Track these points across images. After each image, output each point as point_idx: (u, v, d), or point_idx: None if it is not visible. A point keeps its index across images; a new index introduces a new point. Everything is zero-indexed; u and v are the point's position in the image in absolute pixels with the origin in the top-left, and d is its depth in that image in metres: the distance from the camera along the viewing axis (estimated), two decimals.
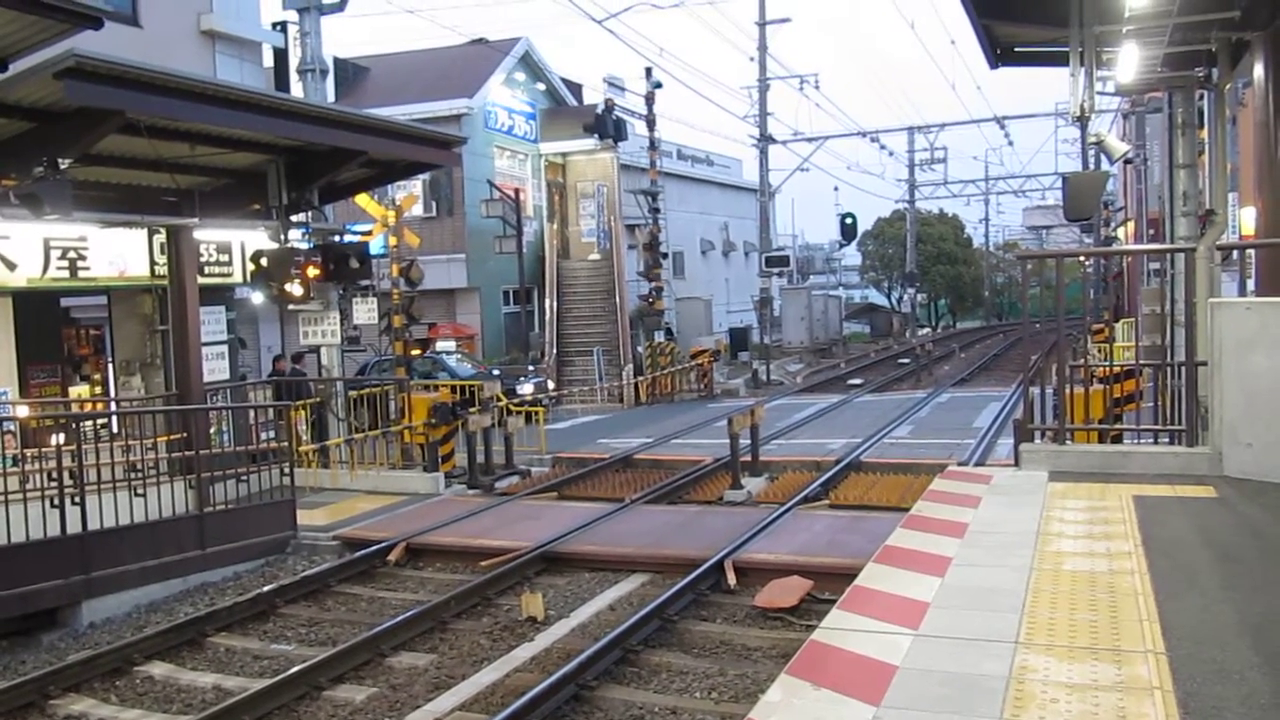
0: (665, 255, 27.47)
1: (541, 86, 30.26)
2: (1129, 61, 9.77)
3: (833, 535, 9.39)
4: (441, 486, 12.75)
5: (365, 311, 16.04)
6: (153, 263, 12.37)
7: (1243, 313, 6.60)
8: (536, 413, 16.43)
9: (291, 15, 15.32)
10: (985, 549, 5.24)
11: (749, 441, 12.79)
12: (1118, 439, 7.69)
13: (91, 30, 6.95)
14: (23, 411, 11.38)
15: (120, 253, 12.13)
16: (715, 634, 7.43)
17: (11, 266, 10.98)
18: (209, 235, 12.65)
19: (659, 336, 25.99)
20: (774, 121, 32.27)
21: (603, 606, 8.25)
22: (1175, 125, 12.05)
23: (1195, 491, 6.30)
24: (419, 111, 24.25)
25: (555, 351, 26.50)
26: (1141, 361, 10.68)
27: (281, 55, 15.60)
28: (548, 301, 27.47)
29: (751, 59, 31.63)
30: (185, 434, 10.42)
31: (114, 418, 12.33)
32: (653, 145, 26.34)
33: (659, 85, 26.03)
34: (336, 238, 14.81)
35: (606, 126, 27.25)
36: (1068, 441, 7.36)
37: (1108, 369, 9.47)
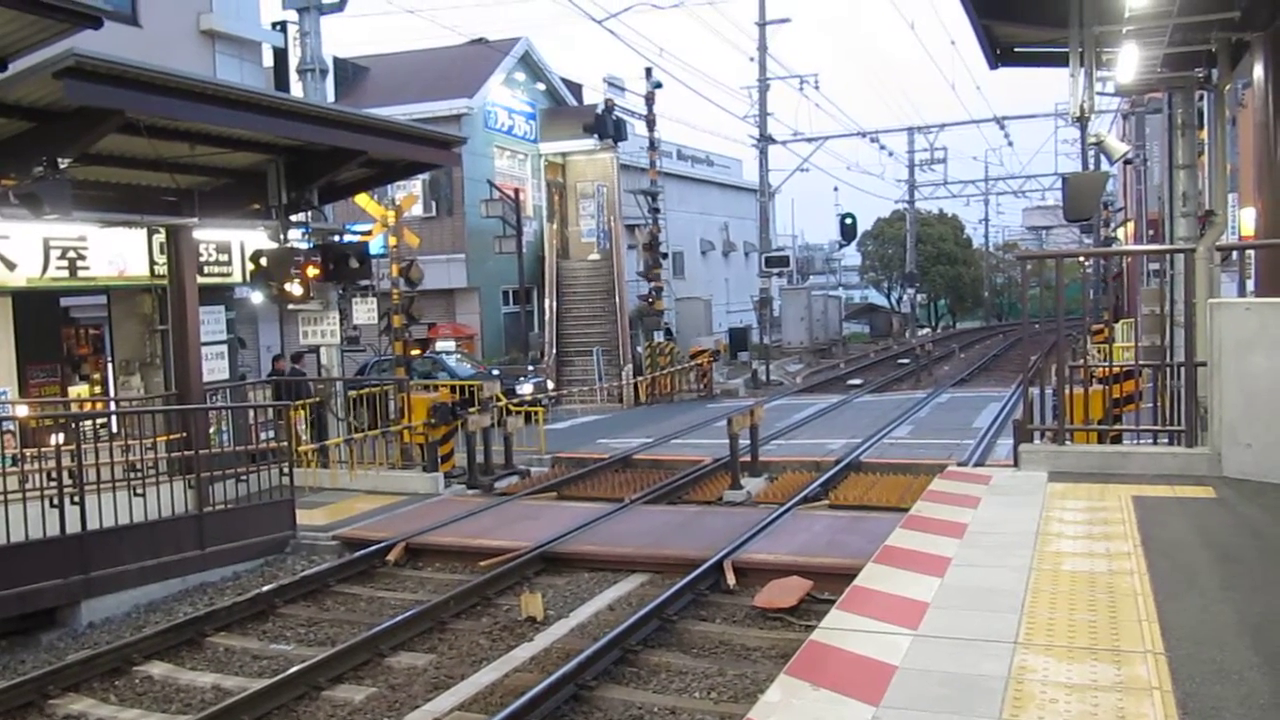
0: (665, 255, 27.48)
1: (541, 86, 30.27)
2: (1129, 62, 9.77)
3: (832, 535, 9.39)
4: (441, 486, 12.74)
5: (365, 311, 16.04)
6: (152, 262, 12.37)
7: (1242, 313, 6.60)
8: (536, 413, 16.43)
9: (291, 15, 15.32)
10: (985, 549, 5.24)
11: (748, 442, 12.79)
12: (1117, 439, 7.69)
13: (91, 30, 6.95)
14: (22, 411, 11.38)
15: (120, 252, 12.12)
16: (715, 634, 7.42)
17: (11, 266, 10.98)
18: (208, 235, 12.65)
19: (658, 336, 25.99)
20: (774, 122, 32.32)
21: (602, 606, 8.25)
22: (1175, 126, 12.06)
23: (1194, 492, 6.31)
24: (419, 111, 24.25)
25: (555, 351, 26.50)
26: (1141, 362, 10.69)
27: (281, 55, 15.60)
28: (547, 301, 27.47)
29: (751, 59, 31.65)
30: (185, 434, 10.42)
31: (113, 417, 12.33)
32: (652, 145, 26.34)
33: (659, 85, 26.03)
34: (336, 237, 14.81)
35: (606, 126, 27.26)
36: (1067, 442, 7.36)
37: (1107, 369, 9.47)
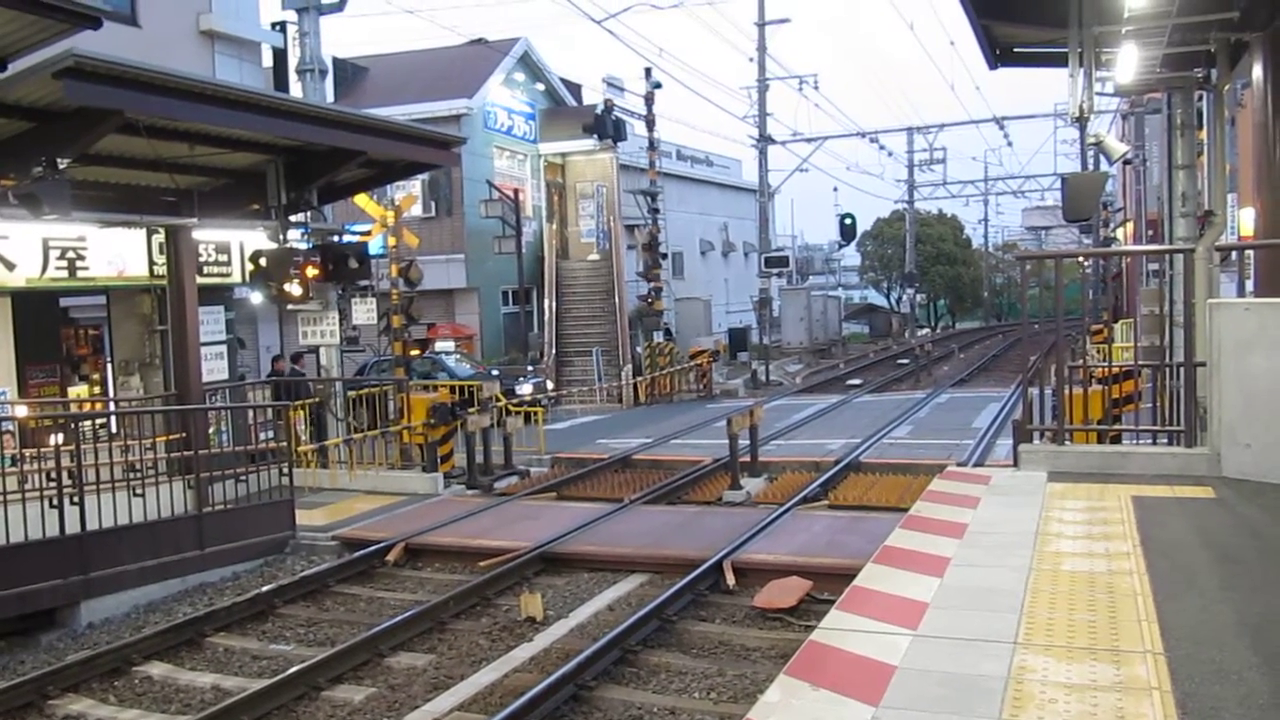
0: (664, 255, 27.48)
1: (541, 87, 30.26)
2: (1128, 62, 9.78)
3: (832, 536, 9.39)
4: (440, 487, 12.74)
5: (364, 312, 16.04)
6: (151, 263, 12.36)
7: (1241, 313, 6.60)
8: (535, 413, 16.43)
9: (290, 15, 15.31)
10: (984, 549, 5.24)
11: (748, 442, 12.79)
12: (1116, 440, 7.70)
13: (90, 30, 6.94)
14: (21, 411, 11.38)
15: (119, 253, 12.12)
16: (714, 634, 7.42)
17: (10, 266, 10.97)
18: (208, 235, 12.65)
19: (658, 337, 26.00)
20: (773, 122, 32.32)
21: (602, 607, 8.25)
22: (1174, 126, 12.07)
23: (1194, 492, 6.31)
24: (418, 112, 24.24)
25: (554, 352, 26.50)
26: (1140, 362, 10.69)
27: (280, 55, 15.59)
28: (547, 302, 27.47)
29: (751, 59, 31.66)
30: (184, 434, 10.41)
31: (113, 418, 12.32)
32: (652, 145, 26.34)
33: (658, 85, 26.03)
34: (335, 238, 14.81)
35: (606, 127, 27.26)
36: (1067, 442, 7.37)
37: (1107, 370, 9.47)
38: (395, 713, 6.33)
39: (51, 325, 13.38)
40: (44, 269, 11.35)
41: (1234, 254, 11.80)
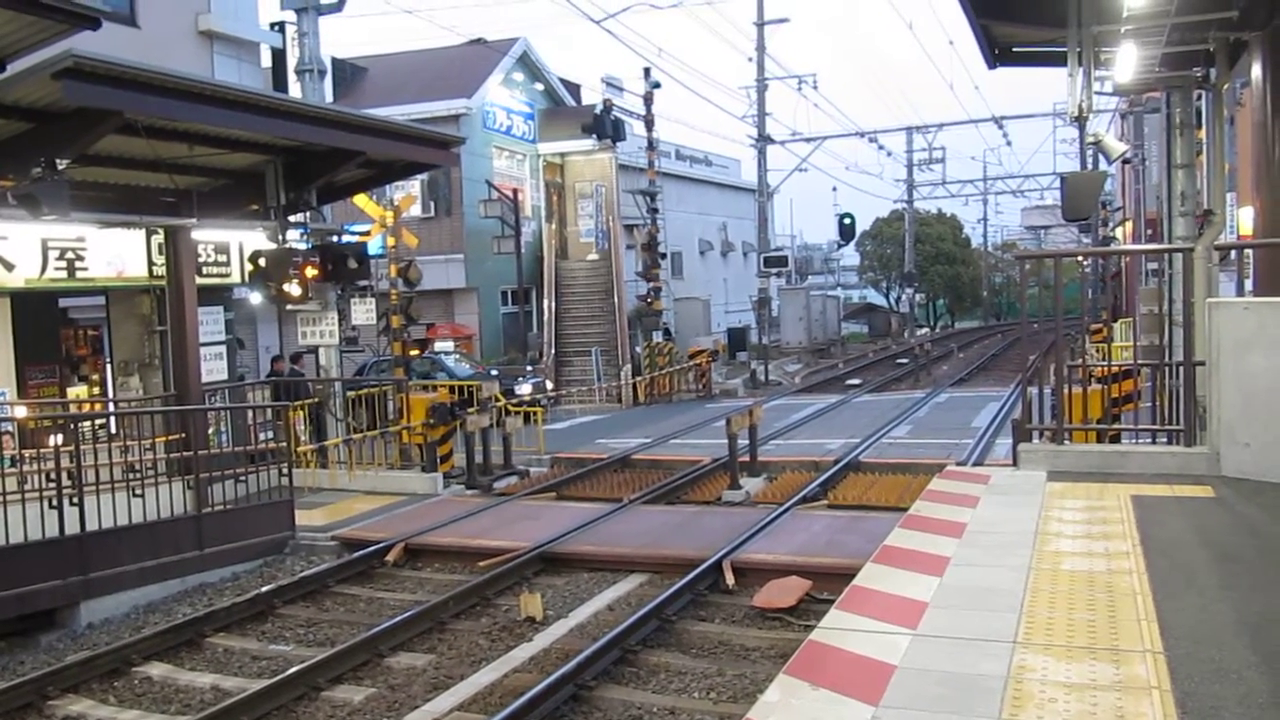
0: (663, 255, 27.48)
1: (540, 87, 30.26)
2: (1127, 61, 9.78)
3: (831, 535, 9.39)
4: (440, 487, 12.74)
5: (363, 312, 16.03)
6: (151, 263, 12.35)
7: (1240, 313, 6.60)
8: (535, 413, 16.43)
9: (289, 15, 15.30)
10: (983, 549, 5.24)
11: (747, 442, 12.79)
12: (1116, 439, 7.70)
13: (89, 30, 6.95)
14: (21, 412, 11.37)
15: (118, 253, 12.11)
16: (714, 634, 7.42)
17: (9, 267, 10.96)
18: (207, 235, 12.64)
19: (657, 337, 26.00)
20: (772, 122, 32.31)
21: (601, 607, 8.25)
22: (1173, 125, 12.07)
23: (1193, 491, 6.31)
24: (417, 112, 24.25)
25: (553, 352, 26.50)
26: (1139, 361, 10.69)
27: (279, 55, 15.58)
28: (546, 302, 27.46)
29: (750, 59, 31.65)
30: (183, 434, 10.41)
31: (112, 418, 12.32)
32: (651, 145, 26.34)
33: (657, 85, 26.04)
34: (335, 238, 14.79)
35: (605, 127, 27.26)
36: (1066, 441, 7.37)
37: (1106, 369, 9.48)
38: (395, 713, 6.33)
39: (51, 326, 13.37)
40: (43, 269, 11.34)
41: (1233, 253, 11.81)
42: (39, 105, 7.79)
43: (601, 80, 30.41)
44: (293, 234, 11.53)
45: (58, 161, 7.87)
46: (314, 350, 15.68)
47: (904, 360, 33.78)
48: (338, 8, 15.33)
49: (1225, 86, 11.02)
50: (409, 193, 19.49)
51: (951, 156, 48.20)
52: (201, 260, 12.77)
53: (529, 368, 23.55)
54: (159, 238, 11.83)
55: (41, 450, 9.48)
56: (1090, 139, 12.01)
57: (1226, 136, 12.04)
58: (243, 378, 15.05)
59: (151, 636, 7.77)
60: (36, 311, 12.54)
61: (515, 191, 25.94)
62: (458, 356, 22.49)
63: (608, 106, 27.57)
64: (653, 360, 24.98)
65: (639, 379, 24.42)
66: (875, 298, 65.10)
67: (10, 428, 10.67)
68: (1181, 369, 7.55)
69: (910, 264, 49.12)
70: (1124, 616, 4.12)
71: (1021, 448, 7.41)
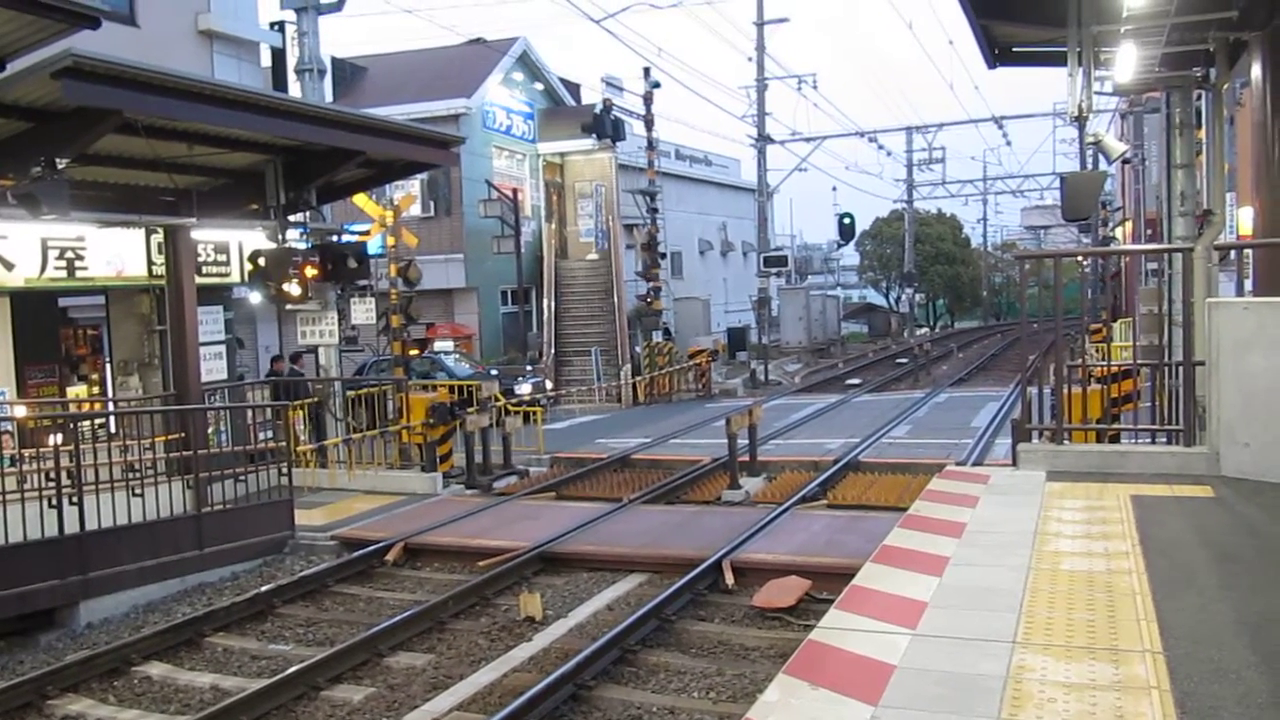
0: (663, 255, 27.48)
1: (539, 86, 30.26)
2: (1127, 61, 9.78)
3: (831, 535, 9.39)
4: (439, 486, 12.74)
5: (363, 311, 16.03)
6: (150, 263, 12.35)
7: (1240, 313, 6.61)
8: (534, 413, 16.43)
9: (289, 15, 15.30)
10: (983, 549, 5.24)
11: (747, 441, 12.79)
12: (1115, 439, 7.70)
13: (89, 30, 6.95)
14: (20, 411, 11.37)
15: (118, 253, 12.11)
16: (713, 634, 7.42)
17: (9, 266, 10.97)
18: (207, 235, 12.64)
19: (657, 336, 26.00)
20: (772, 121, 32.31)
21: (601, 606, 8.25)
22: (1173, 125, 12.07)
23: (1193, 491, 6.31)
24: (417, 111, 24.25)
25: (553, 351, 26.50)
26: (1139, 361, 10.69)
27: (279, 55, 15.58)
28: (546, 301, 27.47)
29: (750, 59, 31.66)
30: (183, 434, 10.41)
31: (112, 418, 12.31)
32: (651, 145, 26.34)
33: (657, 85, 26.05)
34: (334, 237, 14.81)
35: (604, 126, 27.26)
36: (1065, 441, 7.37)
37: (1105, 369, 9.48)
38: (394, 713, 6.33)
39: (50, 325, 13.37)
40: (43, 269, 11.34)
41: (1233, 253, 11.82)
42: (39, 104, 7.79)
43: (601, 80, 30.44)
44: (292, 233, 11.54)
45: (57, 161, 7.87)
46: (314, 350, 15.68)
47: (903, 360, 33.78)
48: (337, 7, 15.33)
49: (1225, 86, 11.03)
50: (409, 192, 19.49)
51: (951, 156, 48.24)
52: (201, 260, 12.77)
53: (529, 367, 23.55)
54: (158, 237, 11.83)
55: (41, 450, 9.48)
56: (1090, 139, 12.01)
57: (1226, 136, 12.05)
58: (242, 377, 15.05)
59: (151, 636, 7.77)
60: (36, 311, 12.54)
61: (515, 191, 25.94)
62: (457, 356, 22.49)
63: (607, 106, 27.57)
64: (652, 360, 24.98)
65: (639, 379, 24.42)
66: (875, 298, 65.11)
67: (10, 427, 10.66)
68: (1181, 369, 7.55)
69: (910, 264, 49.13)
70: (1123, 616, 4.12)
71: (1021, 448, 7.41)
